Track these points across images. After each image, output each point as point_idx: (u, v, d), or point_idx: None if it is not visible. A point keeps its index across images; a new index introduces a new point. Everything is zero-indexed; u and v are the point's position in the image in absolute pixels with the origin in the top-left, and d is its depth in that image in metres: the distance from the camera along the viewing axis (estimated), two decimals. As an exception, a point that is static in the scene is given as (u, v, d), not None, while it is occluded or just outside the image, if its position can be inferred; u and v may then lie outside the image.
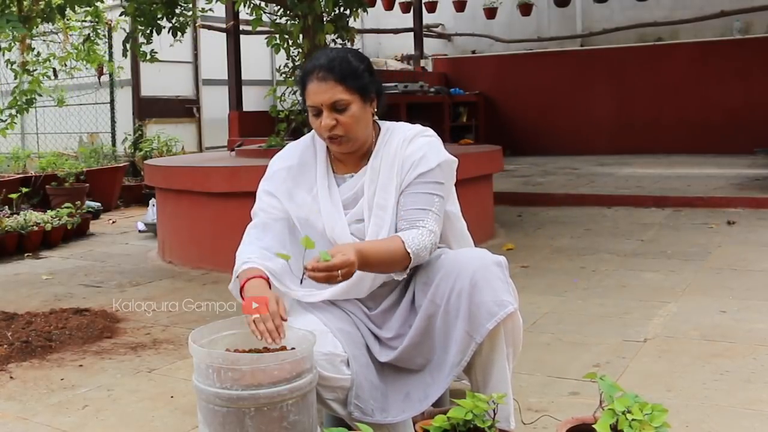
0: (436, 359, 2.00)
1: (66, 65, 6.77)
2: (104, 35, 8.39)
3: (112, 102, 9.34)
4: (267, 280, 1.99)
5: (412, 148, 2.09)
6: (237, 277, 2.05)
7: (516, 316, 1.95)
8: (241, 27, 8.70)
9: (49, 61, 5.71)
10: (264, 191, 2.18)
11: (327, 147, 2.15)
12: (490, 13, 11.97)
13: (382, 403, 2.01)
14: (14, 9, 4.60)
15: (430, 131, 2.17)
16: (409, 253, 1.95)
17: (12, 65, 5.51)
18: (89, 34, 6.15)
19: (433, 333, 1.99)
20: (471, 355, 1.93)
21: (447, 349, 1.97)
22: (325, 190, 2.11)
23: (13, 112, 5.17)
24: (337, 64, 2.02)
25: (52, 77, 6.02)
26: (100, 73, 8.34)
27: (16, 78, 5.51)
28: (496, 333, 1.93)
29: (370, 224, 2.06)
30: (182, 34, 5.69)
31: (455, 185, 2.20)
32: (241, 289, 1.99)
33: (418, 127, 2.17)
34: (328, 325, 1.98)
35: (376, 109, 2.12)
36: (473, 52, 12.95)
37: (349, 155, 2.13)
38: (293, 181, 2.14)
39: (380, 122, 2.18)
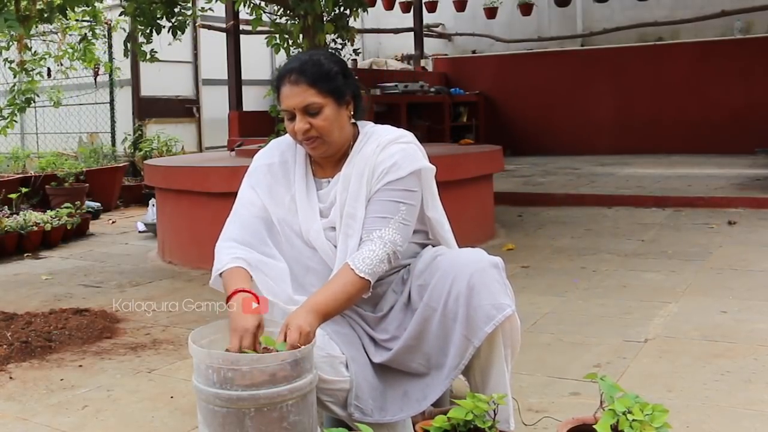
0: (434, 361, 2.00)
1: (61, 64, 6.77)
2: (104, 35, 8.39)
3: (111, 102, 9.34)
4: (255, 295, 1.94)
5: (383, 156, 2.05)
6: (220, 274, 2.06)
7: (514, 318, 1.95)
8: (241, 27, 8.70)
9: (44, 59, 5.70)
10: (245, 186, 2.16)
11: None
12: (491, 12, 11.96)
13: (380, 402, 2.00)
14: (12, 8, 4.59)
15: (408, 137, 2.11)
16: (363, 278, 1.92)
17: (10, 64, 5.51)
18: (86, 33, 6.13)
19: (429, 336, 1.99)
20: (469, 359, 1.93)
21: (445, 352, 1.96)
22: (303, 191, 2.11)
23: (14, 110, 5.15)
24: (309, 68, 2.00)
25: (46, 76, 6.01)
26: (96, 74, 8.32)
27: (15, 77, 5.50)
28: (495, 336, 1.92)
29: (340, 234, 2.05)
30: (182, 33, 5.69)
31: (440, 190, 2.18)
32: (229, 298, 1.95)
33: (395, 132, 2.11)
34: (324, 327, 1.98)
35: (353, 112, 2.09)
36: (473, 51, 12.94)
37: (328, 159, 2.11)
38: (273, 179, 2.13)
39: (361, 125, 2.15)
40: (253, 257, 2.04)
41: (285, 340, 1.80)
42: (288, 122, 2.04)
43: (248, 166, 2.23)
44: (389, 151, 2.06)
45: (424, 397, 1.98)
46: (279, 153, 2.17)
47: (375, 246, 1.96)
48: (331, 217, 2.08)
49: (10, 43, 5.54)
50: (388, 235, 1.98)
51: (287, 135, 2.19)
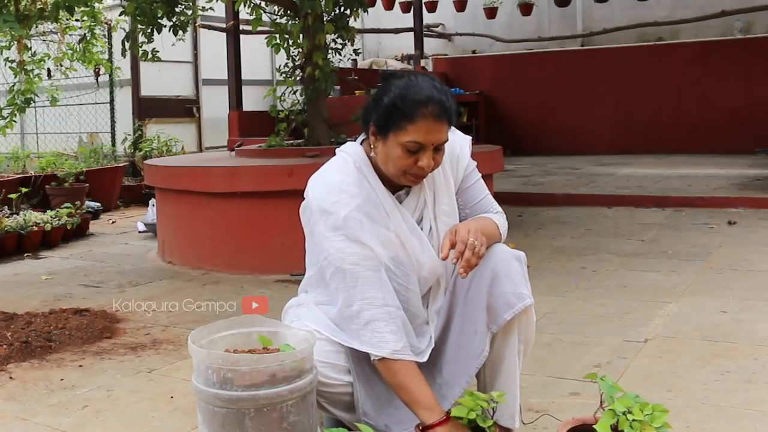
0: (453, 355, 1.99)
1: (61, 65, 6.77)
2: (104, 35, 8.39)
3: (111, 102, 9.34)
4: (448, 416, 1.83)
5: (449, 145, 1.99)
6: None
7: (531, 311, 1.95)
8: (241, 27, 8.69)
9: (44, 61, 5.70)
10: (345, 240, 1.91)
11: (375, 170, 1.98)
12: (491, 12, 11.96)
13: (396, 416, 1.97)
14: (12, 9, 4.59)
15: None
16: (500, 235, 2.02)
17: (10, 63, 5.50)
18: (85, 34, 6.13)
19: (452, 326, 2.00)
20: (489, 346, 1.92)
21: (466, 343, 1.95)
22: (400, 222, 1.97)
23: (13, 110, 5.15)
24: (451, 104, 1.88)
25: (46, 77, 6.01)
26: (98, 74, 8.31)
27: (15, 77, 5.49)
28: (510, 327, 1.92)
29: (440, 233, 2.00)
30: (183, 33, 5.68)
31: None
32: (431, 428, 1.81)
33: None
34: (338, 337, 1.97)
35: None
36: (473, 51, 12.94)
37: None
38: (370, 222, 1.93)
39: None
40: (407, 333, 1.95)
41: (452, 246, 1.84)
42: (406, 153, 1.87)
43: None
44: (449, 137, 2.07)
45: (442, 398, 1.95)
46: (356, 190, 1.95)
47: (503, 217, 2.08)
48: (424, 222, 2.03)
49: (11, 43, 5.53)
50: (498, 207, 2.11)
51: (343, 165, 2.00)
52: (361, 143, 2.03)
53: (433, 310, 2.05)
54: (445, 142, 1.90)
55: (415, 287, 2.00)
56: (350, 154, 2.00)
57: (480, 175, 2.13)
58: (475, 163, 2.14)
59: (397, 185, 2.00)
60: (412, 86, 1.88)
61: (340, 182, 1.96)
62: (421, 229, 2.01)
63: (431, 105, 1.85)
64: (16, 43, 5.63)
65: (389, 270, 1.95)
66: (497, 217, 2.07)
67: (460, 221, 2.04)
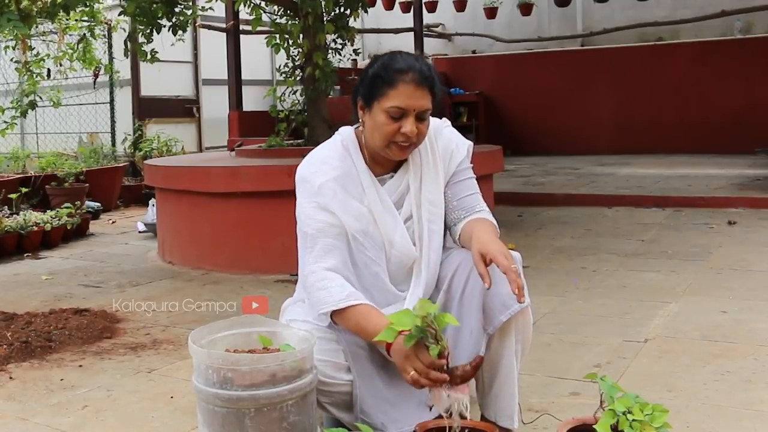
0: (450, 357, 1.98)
1: (61, 65, 6.77)
2: (104, 35, 8.38)
3: (111, 102, 9.34)
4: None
5: (444, 140, 2.10)
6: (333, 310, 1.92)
7: (528, 312, 1.95)
8: (241, 27, 8.69)
9: (44, 60, 5.70)
10: (316, 208, 2.00)
11: (361, 151, 2.06)
12: (491, 12, 11.96)
13: (393, 414, 1.97)
14: (13, 7, 4.60)
15: (446, 122, 2.19)
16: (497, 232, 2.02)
17: (17, 65, 5.51)
18: (85, 34, 6.13)
19: (447, 326, 1.98)
20: (484, 348, 1.92)
21: (462, 343, 1.95)
22: (375, 198, 2.02)
23: (16, 113, 5.15)
24: (432, 74, 1.97)
25: (46, 77, 6.01)
26: (96, 75, 8.30)
27: (20, 77, 5.50)
28: (507, 327, 1.93)
29: (423, 220, 2.04)
30: (183, 32, 5.69)
31: None
32: (388, 349, 1.82)
33: (434, 119, 2.13)
34: (339, 342, 1.97)
35: None
36: (473, 51, 12.95)
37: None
38: (344, 193, 2.01)
39: None
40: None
41: (485, 267, 1.81)
42: (390, 120, 1.94)
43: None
44: (445, 134, 2.12)
45: None
46: (338, 164, 2.04)
47: (489, 215, 2.07)
48: (404, 208, 2.06)
49: (17, 43, 5.54)
50: (486, 207, 2.10)
51: (330, 144, 2.10)
52: (355, 128, 2.11)
53: (411, 298, 2.01)
54: (428, 110, 1.96)
55: (383, 263, 2.03)
56: (341, 134, 2.11)
57: (474, 175, 2.15)
58: (472, 165, 2.16)
59: (384, 168, 2.07)
60: (394, 58, 1.99)
61: (324, 156, 2.08)
62: (400, 214, 2.05)
63: (412, 72, 1.94)
64: (20, 43, 5.62)
65: (358, 242, 2.01)
66: (489, 217, 2.07)
67: (446, 212, 2.08)
